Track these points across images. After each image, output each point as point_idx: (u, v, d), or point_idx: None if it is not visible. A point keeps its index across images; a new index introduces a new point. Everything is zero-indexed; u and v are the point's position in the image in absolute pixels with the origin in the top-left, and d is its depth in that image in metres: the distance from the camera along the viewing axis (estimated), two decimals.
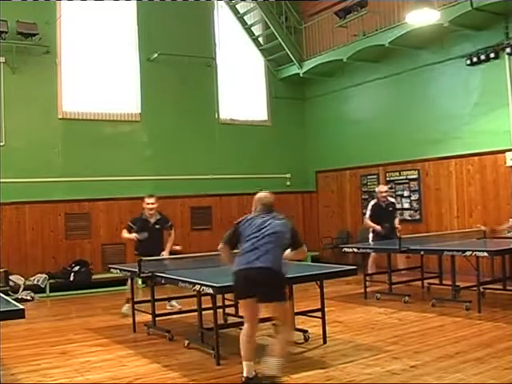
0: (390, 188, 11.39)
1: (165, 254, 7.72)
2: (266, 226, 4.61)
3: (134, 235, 7.72)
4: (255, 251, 4.47)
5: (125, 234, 7.84)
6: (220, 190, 12.05)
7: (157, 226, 7.85)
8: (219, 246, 4.79)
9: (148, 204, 7.78)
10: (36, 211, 10.35)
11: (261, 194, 4.89)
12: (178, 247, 8.10)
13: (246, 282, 4.45)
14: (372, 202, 9.52)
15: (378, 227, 9.13)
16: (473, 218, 9.84)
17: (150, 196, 7.87)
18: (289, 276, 5.71)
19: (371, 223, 9.28)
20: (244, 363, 4.50)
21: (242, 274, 4.47)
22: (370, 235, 9.38)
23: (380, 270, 8.95)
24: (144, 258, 6.47)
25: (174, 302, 7.66)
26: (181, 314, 6.97)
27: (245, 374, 4.47)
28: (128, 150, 11.29)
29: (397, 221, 9.50)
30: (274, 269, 4.47)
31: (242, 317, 6.66)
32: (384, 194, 9.41)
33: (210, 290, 4.96)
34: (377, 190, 9.73)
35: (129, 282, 7.26)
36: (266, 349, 4.53)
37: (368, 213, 9.41)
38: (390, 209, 9.44)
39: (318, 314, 5.88)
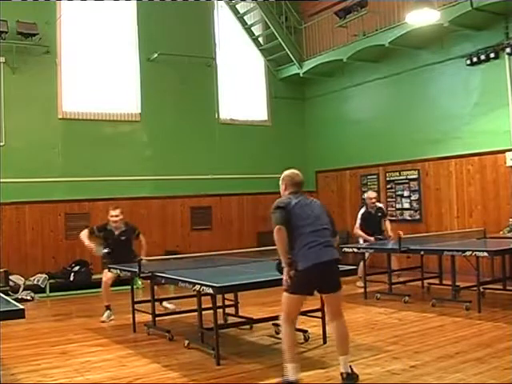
0: (390, 188, 11.43)
1: (146, 258, 7.24)
2: (313, 212, 4.42)
3: (91, 246, 7.49)
4: (319, 243, 4.29)
5: (84, 236, 7.55)
6: (220, 190, 12.05)
7: (122, 238, 7.65)
8: (276, 228, 4.30)
9: (112, 216, 7.62)
10: (36, 211, 10.35)
11: (290, 172, 4.63)
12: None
13: (316, 278, 4.30)
14: (362, 211, 9.46)
15: (372, 238, 9.07)
16: (473, 217, 9.85)
17: (115, 208, 7.73)
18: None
19: (362, 233, 9.21)
20: (290, 365, 4.29)
21: (313, 271, 4.25)
22: (361, 241, 9.31)
23: (380, 271, 8.94)
24: (144, 258, 6.47)
25: (165, 303, 7.57)
26: (181, 314, 6.96)
27: (291, 378, 4.25)
28: (128, 150, 11.29)
29: (388, 225, 9.32)
30: (338, 258, 4.43)
31: (242, 317, 6.72)
32: (373, 201, 9.38)
33: (210, 290, 4.95)
34: (365, 196, 9.66)
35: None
36: (339, 349, 4.41)
37: (358, 222, 9.33)
38: (379, 214, 9.40)
39: (318, 314, 5.87)
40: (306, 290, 4.38)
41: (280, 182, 4.65)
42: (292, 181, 4.58)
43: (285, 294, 4.38)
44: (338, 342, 4.45)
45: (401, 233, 7.95)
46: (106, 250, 7.57)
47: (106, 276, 7.42)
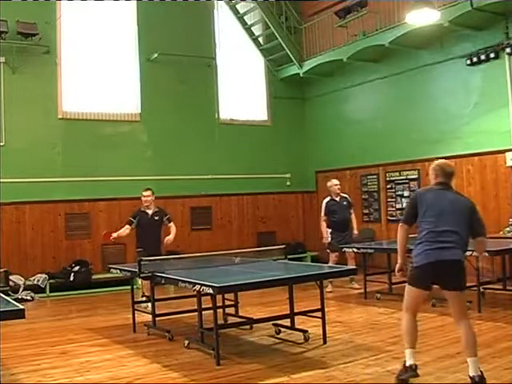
0: (390, 188, 11.43)
1: (171, 239, 8.12)
2: (448, 204, 4.29)
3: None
4: (441, 240, 4.20)
5: (123, 232, 8.19)
6: (220, 190, 12.05)
7: (155, 218, 8.24)
8: (399, 225, 4.49)
9: (144, 197, 8.32)
10: (36, 211, 10.35)
11: (442, 161, 4.52)
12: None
13: (432, 274, 4.28)
14: (326, 200, 9.45)
15: (326, 236, 9.21)
16: None
17: (146, 189, 8.40)
18: (288, 276, 5.75)
19: (323, 229, 9.31)
20: (407, 351, 4.33)
21: (428, 268, 4.24)
22: (329, 231, 9.30)
23: (379, 271, 8.93)
24: (144, 258, 6.47)
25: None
26: (181, 314, 6.96)
27: (408, 362, 4.28)
28: (128, 150, 11.29)
29: (354, 220, 9.34)
30: (462, 260, 4.32)
31: (242, 317, 6.72)
32: (336, 188, 9.32)
33: (210, 290, 4.95)
34: (328, 185, 9.60)
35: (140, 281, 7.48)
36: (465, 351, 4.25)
37: (322, 211, 9.37)
38: (345, 203, 9.35)
39: (318, 313, 5.87)
40: (421, 283, 4.36)
41: (430, 171, 4.54)
42: (443, 170, 4.44)
43: (406, 285, 4.44)
44: (463, 344, 4.27)
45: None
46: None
47: None
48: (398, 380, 4.31)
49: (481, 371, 4.13)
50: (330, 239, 9.24)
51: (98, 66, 11.13)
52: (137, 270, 6.22)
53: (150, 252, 7.40)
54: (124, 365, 5.30)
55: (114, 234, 8.06)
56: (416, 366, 4.29)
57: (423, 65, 10.63)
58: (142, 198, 8.35)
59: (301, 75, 12.56)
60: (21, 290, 9.46)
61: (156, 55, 11.44)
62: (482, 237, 4.48)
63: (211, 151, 12.09)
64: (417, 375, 4.28)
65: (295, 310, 6.08)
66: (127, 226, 8.22)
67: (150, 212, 8.28)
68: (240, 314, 6.94)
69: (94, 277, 10.29)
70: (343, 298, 8.48)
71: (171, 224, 8.39)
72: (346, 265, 8.61)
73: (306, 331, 5.92)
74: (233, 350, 5.64)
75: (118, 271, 6.97)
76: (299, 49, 12.56)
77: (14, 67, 10.22)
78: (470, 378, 4.11)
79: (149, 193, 8.33)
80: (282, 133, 13.06)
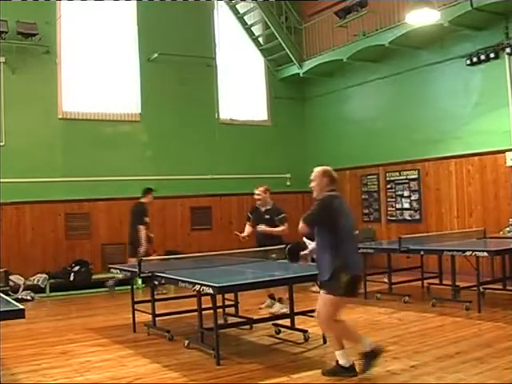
0: (390, 188, 11.42)
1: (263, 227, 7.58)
2: (348, 214, 4.65)
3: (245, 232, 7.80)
4: (356, 250, 4.63)
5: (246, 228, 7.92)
6: (220, 190, 12.05)
7: (266, 216, 7.73)
8: (300, 225, 4.58)
9: (254, 195, 7.98)
10: (36, 211, 10.35)
11: (328, 168, 4.73)
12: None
13: (359, 284, 4.59)
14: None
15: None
16: (473, 217, 9.84)
17: (258, 187, 7.98)
18: (288, 276, 5.75)
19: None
20: (339, 353, 4.59)
21: (358, 278, 4.58)
22: None
23: (379, 271, 8.94)
24: (144, 258, 6.47)
25: None
26: (181, 314, 6.96)
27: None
28: (128, 149, 11.29)
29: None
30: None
31: (242, 317, 6.72)
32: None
33: (210, 290, 4.95)
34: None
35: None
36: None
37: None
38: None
39: None
40: (352, 292, 4.60)
41: (318, 177, 4.67)
42: (333, 177, 4.67)
43: (329, 296, 4.51)
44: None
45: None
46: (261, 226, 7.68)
47: None
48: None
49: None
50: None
51: (98, 66, 11.13)
52: (137, 270, 6.22)
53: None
54: (124, 365, 5.30)
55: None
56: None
57: (423, 65, 10.63)
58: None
59: (301, 75, 12.56)
60: (21, 289, 9.46)
61: (156, 55, 11.44)
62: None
63: (211, 151, 12.09)
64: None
65: (295, 310, 6.08)
66: (247, 224, 7.97)
67: (262, 209, 7.82)
68: (240, 314, 6.94)
69: (93, 277, 10.29)
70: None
71: (282, 225, 7.63)
72: None
73: (306, 331, 5.92)
74: (233, 349, 5.64)
75: (118, 271, 6.96)
76: (299, 49, 12.56)
77: (13, 67, 10.22)
78: (343, 366, 4.57)
79: (257, 191, 7.87)
80: (282, 133, 13.05)
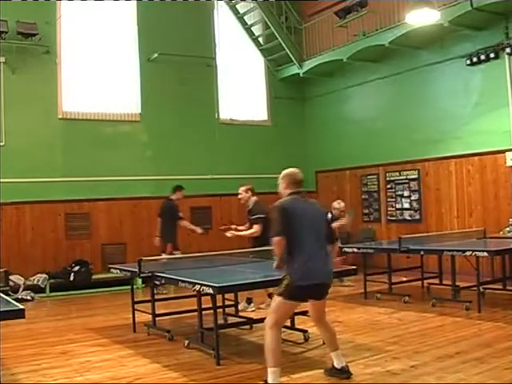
0: (390, 188, 11.42)
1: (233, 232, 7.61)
2: (310, 218, 4.36)
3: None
4: (314, 259, 4.27)
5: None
6: (220, 190, 12.04)
7: (249, 216, 7.70)
8: (275, 239, 4.26)
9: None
10: (36, 211, 10.34)
11: (291, 170, 4.57)
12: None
13: (311, 290, 4.34)
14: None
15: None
16: (473, 217, 9.85)
17: (240, 185, 7.84)
18: None
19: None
20: (272, 370, 4.28)
21: (308, 286, 4.27)
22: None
23: (379, 271, 8.94)
24: (144, 258, 6.47)
25: None
26: (181, 314, 6.96)
27: (271, 381, 4.27)
28: (128, 149, 11.29)
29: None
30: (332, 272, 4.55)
31: (242, 317, 6.72)
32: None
33: (210, 290, 4.95)
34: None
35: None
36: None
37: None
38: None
39: None
40: (300, 297, 4.43)
41: (280, 181, 4.59)
42: (294, 179, 4.51)
43: (279, 298, 4.36)
44: (329, 341, 4.65)
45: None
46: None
47: None
48: None
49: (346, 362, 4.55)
50: None
51: (98, 66, 11.12)
52: (137, 270, 6.22)
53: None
54: (124, 365, 5.30)
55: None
56: None
57: (423, 65, 10.63)
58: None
59: (301, 75, 12.56)
60: (21, 289, 9.46)
61: (156, 55, 11.44)
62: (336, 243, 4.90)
63: (211, 151, 12.09)
64: None
65: (295, 310, 6.08)
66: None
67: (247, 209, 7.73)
68: (240, 313, 6.94)
69: (93, 277, 10.29)
70: (343, 297, 8.48)
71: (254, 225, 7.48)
72: None
73: (306, 331, 5.92)
74: (233, 349, 5.64)
75: (118, 271, 6.97)
76: (299, 49, 12.56)
77: (13, 67, 10.21)
78: (338, 369, 4.56)
79: (240, 190, 7.73)
80: (282, 133, 13.05)
